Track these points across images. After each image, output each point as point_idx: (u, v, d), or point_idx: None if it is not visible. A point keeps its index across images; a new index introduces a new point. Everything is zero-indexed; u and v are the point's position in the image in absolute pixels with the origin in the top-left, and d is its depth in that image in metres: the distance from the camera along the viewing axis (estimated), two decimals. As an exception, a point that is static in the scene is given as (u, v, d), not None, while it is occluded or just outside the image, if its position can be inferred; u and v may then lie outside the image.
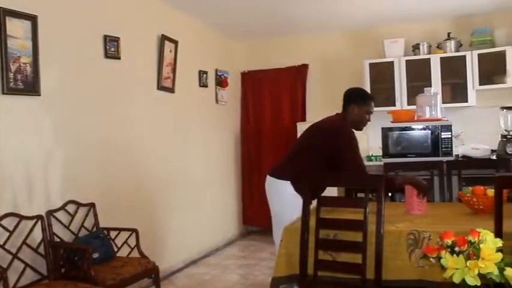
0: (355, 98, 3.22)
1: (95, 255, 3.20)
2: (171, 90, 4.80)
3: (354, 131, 3.15)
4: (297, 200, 2.96)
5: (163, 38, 4.63)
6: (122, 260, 3.42)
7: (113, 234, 3.62)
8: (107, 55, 3.90)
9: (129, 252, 3.62)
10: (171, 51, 4.76)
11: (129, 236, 3.62)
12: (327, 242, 2.46)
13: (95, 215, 3.59)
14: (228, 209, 6.19)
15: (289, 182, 3.10)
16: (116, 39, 3.97)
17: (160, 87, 4.63)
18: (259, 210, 5.93)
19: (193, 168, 5.25)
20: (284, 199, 3.12)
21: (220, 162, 6.02)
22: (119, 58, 4.01)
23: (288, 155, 3.31)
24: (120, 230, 3.63)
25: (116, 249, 3.57)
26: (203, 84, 5.55)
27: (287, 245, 2.55)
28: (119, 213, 3.91)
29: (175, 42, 4.82)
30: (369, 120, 3.26)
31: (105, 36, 3.88)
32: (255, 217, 6.31)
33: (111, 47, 3.93)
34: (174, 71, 4.82)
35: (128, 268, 3.25)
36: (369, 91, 5.55)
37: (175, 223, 4.81)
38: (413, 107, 4.97)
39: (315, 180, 2.67)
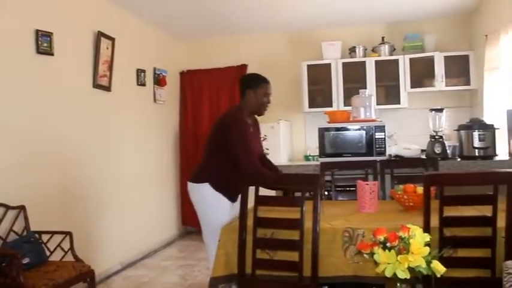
0: (248, 83, 3.16)
1: (25, 261, 3.05)
2: (107, 88, 4.67)
3: (257, 117, 3.22)
4: (218, 199, 2.98)
5: (100, 35, 4.50)
6: (55, 264, 3.29)
7: (45, 237, 3.47)
8: (39, 51, 3.73)
9: (63, 256, 3.48)
10: (107, 48, 4.63)
11: (62, 239, 3.49)
12: (265, 241, 2.48)
13: (26, 218, 3.42)
14: (166, 210, 6.11)
15: (207, 183, 3.06)
16: (48, 34, 3.81)
17: (96, 85, 4.49)
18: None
19: (130, 168, 5.13)
20: (206, 201, 3.09)
21: (158, 163, 5.92)
22: (52, 54, 3.86)
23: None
24: (52, 233, 3.49)
25: (48, 254, 3.42)
26: (141, 83, 5.45)
27: (225, 244, 2.54)
28: (51, 215, 3.76)
29: (113, 39, 4.69)
30: (268, 102, 3.17)
31: (37, 31, 3.71)
32: (194, 217, 6.19)
33: (44, 42, 3.77)
34: (110, 68, 4.69)
35: (61, 273, 3.13)
36: (306, 92, 5.70)
37: (112, 225, 4.68)
38: (349, 108, 5.11)
39: (250, 181, 2.64)
